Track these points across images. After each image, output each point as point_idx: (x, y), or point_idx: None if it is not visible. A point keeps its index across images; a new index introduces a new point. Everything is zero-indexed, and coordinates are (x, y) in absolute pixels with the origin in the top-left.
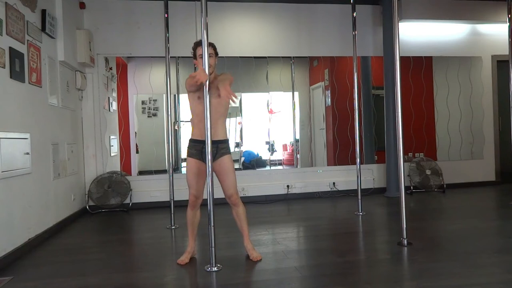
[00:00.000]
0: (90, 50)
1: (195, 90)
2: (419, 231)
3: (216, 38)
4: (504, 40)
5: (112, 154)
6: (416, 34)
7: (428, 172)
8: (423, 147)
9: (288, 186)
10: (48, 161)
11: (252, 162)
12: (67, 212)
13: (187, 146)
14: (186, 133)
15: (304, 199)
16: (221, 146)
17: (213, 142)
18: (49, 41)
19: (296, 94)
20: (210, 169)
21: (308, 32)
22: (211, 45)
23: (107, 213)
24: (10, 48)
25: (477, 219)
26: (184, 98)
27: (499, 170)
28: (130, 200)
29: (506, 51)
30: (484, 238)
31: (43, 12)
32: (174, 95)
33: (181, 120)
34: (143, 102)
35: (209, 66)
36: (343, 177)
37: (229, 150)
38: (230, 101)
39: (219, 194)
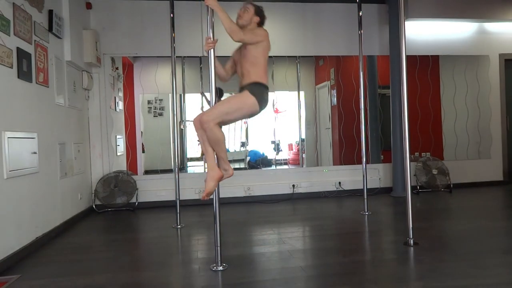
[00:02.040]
0: (96, 50)
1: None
2: (425, 231)
3: (222, 38)
4: None
5: (118, 154)
6: (423, 32)
7: (434, 171)
8: (429, 147)
9: (293, 185)
10: (55, 161)
11: (258, 162)
12: (74, 211)
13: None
14: (191, 133)
15: (310, 199)
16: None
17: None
18: (56, 41)
19: (302, 93)
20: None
21: (313, 31)
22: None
23: (113, 212)
24: (18, 48)
25: (484, 219)
26: (189, 98)
27: (506, 170)
28: (136, 199)
29: None
30: (492, 238)
31: (50, 12)
32: (180, 95)
33: (187, 119)
34: (149, 102)
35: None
36: (349, 177)
37: (252, 89)
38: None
39: (223, 193)
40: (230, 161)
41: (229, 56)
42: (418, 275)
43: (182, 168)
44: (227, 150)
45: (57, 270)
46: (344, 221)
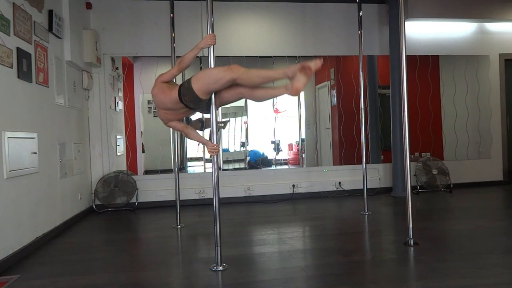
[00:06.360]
0: (96, 50)
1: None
2: (425, 231)
3: (222, 38)
4: None
5: (118, 154)
6: (423, 32)
7: (434, 171)
8: (429, 147)
9: (293, 185)
10: (55, 161)
11: (258, 162)
12: (74, 211)
13: None
14: None
15: (310, 199)
16: None
17: None
18: (56, 41)
19: (302, 93)
20: (215, 168)
21: (313, 31)
22: None
23: (113, 212)
24: (18, 48)
25: (484, 219)
26: None
27: (506, 170)
28: (136, 199)
29: None
30: (492, 238)
31: (50, 12)
32: None
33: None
34: (149, 102)
35: None
36: (349, 177)
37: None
38: None
39: (223, 193)
40: (230, 161)
41: (229, 56)
42: (418, 275)
43: (182, 168)
44: (227, 150)
45: (57, 270)
46: (344, 221)
